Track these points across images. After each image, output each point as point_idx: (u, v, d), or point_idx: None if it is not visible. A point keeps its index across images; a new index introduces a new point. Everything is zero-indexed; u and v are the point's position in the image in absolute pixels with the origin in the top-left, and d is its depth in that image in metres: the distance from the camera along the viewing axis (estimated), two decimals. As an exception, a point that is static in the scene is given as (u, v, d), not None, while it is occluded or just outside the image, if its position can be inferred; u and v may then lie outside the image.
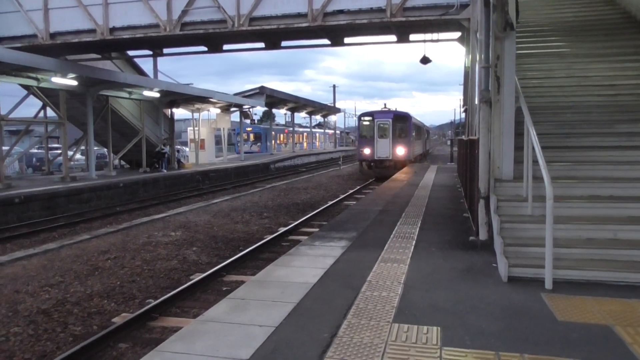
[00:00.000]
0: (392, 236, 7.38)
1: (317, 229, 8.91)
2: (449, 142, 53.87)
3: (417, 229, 7.91)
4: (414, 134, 28.18)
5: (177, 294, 8.19)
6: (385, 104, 28.85)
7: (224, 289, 8.58)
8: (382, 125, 26.32)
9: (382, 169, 25.69)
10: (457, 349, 3.55)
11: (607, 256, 5.45)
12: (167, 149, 28.07)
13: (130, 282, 9.28)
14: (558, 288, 4.93)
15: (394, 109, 28.34)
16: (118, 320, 7.43)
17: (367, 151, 26.12)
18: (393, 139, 26.02)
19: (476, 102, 11.00)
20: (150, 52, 21.94)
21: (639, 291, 4.82)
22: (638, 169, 6.72)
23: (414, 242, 7.03)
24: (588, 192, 6.44)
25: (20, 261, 11.44)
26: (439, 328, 3.91)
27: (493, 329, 3.92)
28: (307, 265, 5.80)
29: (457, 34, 17.93)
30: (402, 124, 26.45)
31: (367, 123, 26.70)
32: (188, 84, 33.36)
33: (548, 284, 4.98)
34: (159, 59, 22.93)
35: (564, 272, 5.18)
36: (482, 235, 6.89)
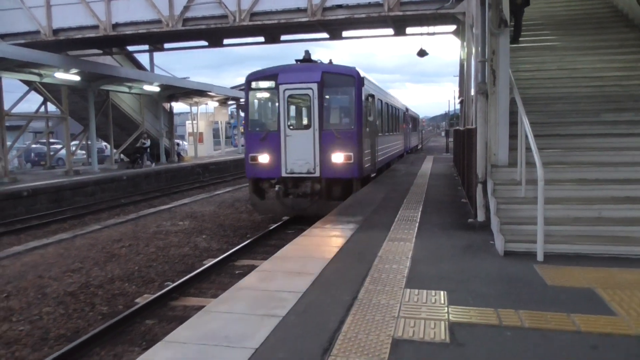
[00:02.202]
0: (396, 219, 7.96)
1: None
2: (443, 134, 54.48)
3: (419, 213, 8.50)
4: (375, 120, 14.30)
5: (193, 277, 8.75)
6: (307, 52, 13.11)
7: (237, 272, 9.15)
8: (296, 99, 12.64)
9: (299, 200, 12.28)
10: (461, 307, 4.13)
11: (592, 232, 6.06)
12: (147, 142, 27.41)
13: (147, 267, 9.83)
14: (548, 260, 5.52)
15: (326, 62, 13.39)
16: (141, 300, 7.98)
17: (264, 159, 12.29)
18: (323, 130, 11.93)
19: (472, 93, 11.57)
20: (150, 47, 22.30)
21: (620, 261, 5.44)
22: (621, 154, 7.32)
23: (417, 224, 7.61)
24: (576, 176, 7.03)
25: (36, 250, 11.96)
26: (445, 292, 4.49)
27: (491, 292, 4.51)
28: (322, 244, 6.37)
29: (453, 27, 18.45)
30: (343, 95, 12.77)
31: (264, 96, 13.16)
32: (185, 78, 33.79)
33: (540, 257, 5.58)
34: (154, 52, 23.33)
35: (554, 246, 5.78)
36: (480, 217, 7.49)
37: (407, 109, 28.46)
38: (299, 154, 11.94)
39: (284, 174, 12.11)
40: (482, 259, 5.68)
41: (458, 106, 26.19)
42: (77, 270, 9.76)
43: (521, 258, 5.65)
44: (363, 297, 4.36)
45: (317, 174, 11.88)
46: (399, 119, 23.15)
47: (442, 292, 4.48)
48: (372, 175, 14.18)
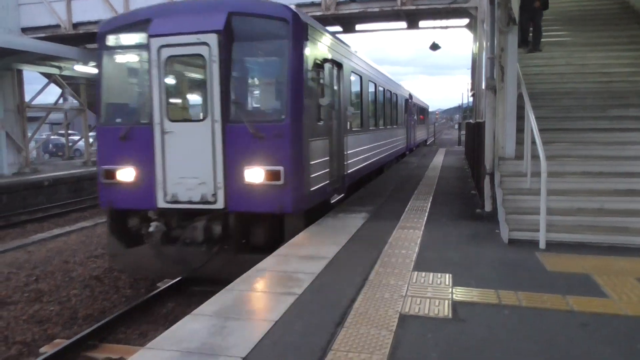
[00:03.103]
0: (406, 209, 8.28)
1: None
2: (456, 126, 54.37)
3: (429, 204, 8.80)
4: (342, 106, 9.18)
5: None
6: None
7: None
8: (180, 65, 7.64)
9: (188, 252, 6.94)
10: (465, 287, 4.46)
11: (594, 223, 6.33)
12: None
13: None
14: (550, 248, 5.82)
15: None
16: (161, 284, 8.41)
17: (126, 175, 7.09)
18: (229, 124, 6.70)
19: (483, 87, 11.80)
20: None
21: (618, 250, 5.73)
22: (626, 148, 7.56)
23: (427, 214, 7.92)
24: (580, 169, 7.29)
25: (60, 237, 12.50)
26: (450, 275, 4.82)
27: (494, 276, 4.83)
28: (335, 232, 6.71)
29: (466, 21, 18.61)
30: (267, 57, 7.52)
31: (131, 60, 7.73)
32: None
33: (542, 245, 5.88)
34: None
35: (556, 235, 6.07)
36: (487, 207, 7.79)
37: (410, 96, 22.74)
38: (188, 166, 6.75)
39: (161, 203, 6.89)
40: (487, 246, 5.99)
41: (471, 99, 26.18)
42: (100, 256, 10.23)
43: (524, 246, 5.95)
44: (373, 279, 4.70)
45: (220, 204, 6.69)
46: (397, 108, 18.11)
47: (447, 275, 4.81)
48: (338, 197, 8.95)
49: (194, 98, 8.16)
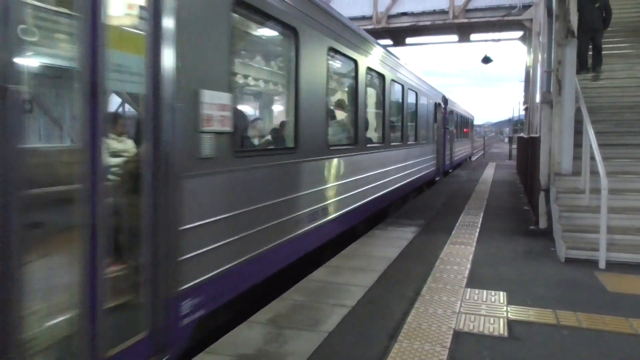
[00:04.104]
0: (457, 224, 8.17)
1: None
2: (506, 140, 53.07)
3: (480, 219, 8.66)
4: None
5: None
6: None
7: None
8: None
9: None
10: (520, 306, 4.38)
11: (657, 243, 6.06)
12: None
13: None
14: (610, 268, 5.62)
15: None
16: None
17: None
18: None
19: (537, 101, 11.55)
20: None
21: (685, 272, 5.45)
22: (693, 165, 7.20)
23: (478, 229, 7.80)
24: (643, 186, 7.00)
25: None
26: (504, 292, 4.74)
27: (550, 295, 4.71)
28: (385, 244, 6.72)
29: (519, 34, 18.29)
30: None
31: None
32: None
33: (602, 264, 5.68)
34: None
35: (617, 254, 5.85)
36: (542, 224, 7.60)
37: (445, 101, 17.26)
38: None
39: None
40: (543, 264, 5.84)
41: (522, 112, 25.50)
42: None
43: (582, 265, 5.77)
44: (425, 294, 4.69)
45: None
46: (420, 116, 12.65)
47: (501, 293, 4.73)
48: None
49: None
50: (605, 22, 9.44)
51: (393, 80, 9.45)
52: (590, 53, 9.44)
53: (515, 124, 56.69)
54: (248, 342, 3.63)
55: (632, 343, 3.67)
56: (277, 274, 4.88)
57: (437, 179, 15.61)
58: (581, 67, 9.37)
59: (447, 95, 17.86)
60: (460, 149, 24.53)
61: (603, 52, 9.61)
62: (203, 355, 3.49)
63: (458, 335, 3.74)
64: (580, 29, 9.11)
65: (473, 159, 33.89)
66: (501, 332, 3.83)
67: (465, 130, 26.60)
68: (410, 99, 11.28)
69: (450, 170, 19.69)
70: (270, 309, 4.30)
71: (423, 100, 13.02)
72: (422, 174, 12.94)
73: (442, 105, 16.69)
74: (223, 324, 4.26)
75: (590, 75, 9.47)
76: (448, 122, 18.26)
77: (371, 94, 8.61)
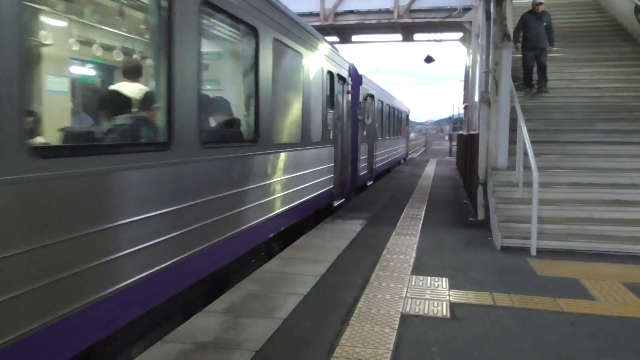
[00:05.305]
0: (402, 217, 8.55)
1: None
2: (446, 137, 54.84)
3: (423, 212, 9.08)
4: None
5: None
6: None
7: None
8: None
9: None
10: (461, 290, 4.72)
11: (582, 231, 6.63)
12: None
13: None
14: (541, 255, 6.11)
15: None
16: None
17: None
18: None
19: (476, 100, 12.14)
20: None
21: (605, 257, 6.04)
22: (613, 161, 7.89)
23: (421, 221, 8.19)
24: (570, 180, 7.61)
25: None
26: (446, 278, 5.08)
27: (488, 280, 5.10)
28: (335, 236, 6.96)
29: (459, 35, 19.01)
30: None
31: None
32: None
33: (533, 251, 6.17)
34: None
35: (547, 242, 6.36)
36: (480, 216, 8.09)
37: (358, 77, 12.24)
38: None
39: None
40: (481, 252, 6.26)
41: (462, 110, 26.44)
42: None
43: (516, 252, 6.23)
44: (374, 281, 4.95)
45: None
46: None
47: (444, 279, 5.06)
48: None
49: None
50: (550, 41, 10.05)
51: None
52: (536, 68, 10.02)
53: (455, 122, 58.68)
54: (205, 330, 3.74)
55: (559, 319, 4.07)
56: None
57: (335, 204, 9.55)
58: (527, 84, 9.98)
59: (365, 74, 12.82)
60: (389, 151, 19.10)
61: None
62: (161, 344, 3.57)
63: (405, 318, 4.01)
64: (525, 47, 9.69)
65: (415, 156, 32.24)
66: (444, 313, 4.14)
67: (397, 126, 21.70)
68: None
69: (369, 184, 14.27)
70: (225, 299, 4.41)
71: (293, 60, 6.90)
72: (296, 202, 6.93)
73: (349, 83, 10.76)
74: (173, 316, 4.32)
75: (533, 92, 10.07)
76: (363, 111, 12.31)
77: None
